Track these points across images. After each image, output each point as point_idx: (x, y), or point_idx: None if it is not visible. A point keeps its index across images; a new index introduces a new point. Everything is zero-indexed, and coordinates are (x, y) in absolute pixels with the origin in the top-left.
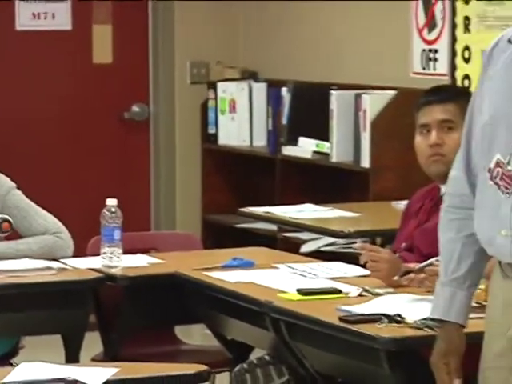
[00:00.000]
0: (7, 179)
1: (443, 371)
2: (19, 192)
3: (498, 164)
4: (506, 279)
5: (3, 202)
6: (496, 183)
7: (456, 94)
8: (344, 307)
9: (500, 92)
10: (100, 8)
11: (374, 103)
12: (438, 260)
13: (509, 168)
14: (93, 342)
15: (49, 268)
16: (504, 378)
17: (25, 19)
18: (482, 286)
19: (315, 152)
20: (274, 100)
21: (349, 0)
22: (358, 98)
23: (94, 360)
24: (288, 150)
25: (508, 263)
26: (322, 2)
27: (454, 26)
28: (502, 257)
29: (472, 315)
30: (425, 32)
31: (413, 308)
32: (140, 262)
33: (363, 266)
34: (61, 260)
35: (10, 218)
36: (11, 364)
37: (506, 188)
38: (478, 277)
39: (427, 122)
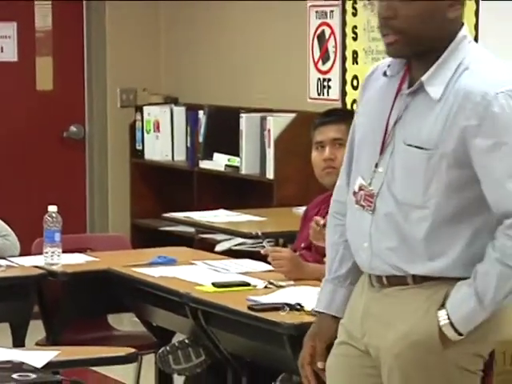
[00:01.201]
0: None
1: (308, 351)
2: None
3: (360, 188)
4: (371, 288)
5: None
6: (361, 205)
7: (346, 116)
8: (252, 297)
9: (369, 117)
10: (42, 42)
11: (277, 124)
12: None
13: (370, 188)
14: (36, 329)
15: None
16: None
17: None
18: None
19: (227, 165)
20: (192, 121)
21: (256, 37)
22: (263, 119)
23: (37, 344)
24: (204, 164)
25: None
26: (235, 40)
27: (344, 59)
28: (363, 268)
29: None
30: (320, 64)
31: (310, 298)
32: (77, 260)
33: (268, 263)
34: (8, 258)
35: None
36: None
37: (369, 206)
38: (357, 276)
39: (322, 139)
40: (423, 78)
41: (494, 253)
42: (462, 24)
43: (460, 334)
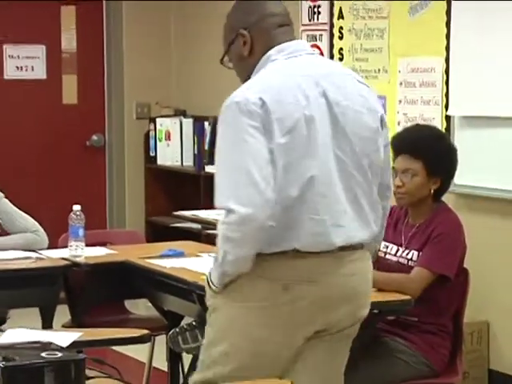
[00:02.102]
0: None
1: None
2: (6, 200)
3: None
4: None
5: None
6: None
7: None
8: None
9: None
10: (67, 62)
11: None
12: None
13: None
14: (62, 313)
15: (29, 257)
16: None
17: (11, 71)
18: None
19: None
20: (198, 131)
21: None
22: None
23: (63, 326)
24: (209, 168)
25: None
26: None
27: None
28: None
29: None
30: None
31: None
32: (98, 253)
33: None
34: (38, 251)
35: None
36: (0, 330)
37: None
38: None
39: None
40: None
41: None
42: (272, 47)
43: (214, 285)
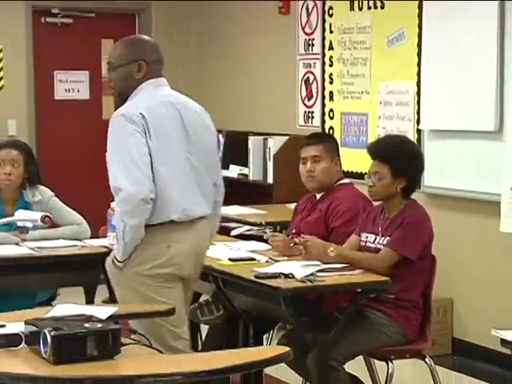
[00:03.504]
0: (48, 190)
1: None
2: (56, 198)
3: None
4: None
5: (46, 204)
6: None
7: (322, 139)
8: (257, 269)
9: None
10: (106, 85)
11: (275, 144)
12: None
13: None
14: (102, 292)
15: (75, 245)
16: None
17: (60, 92)
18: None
19: (239, 173)
20: None
21: (261, 80)
22: (265, 140)
23: (103, 302)
24: (223, 172)
25: None
26: (244, 83)
27: (323, 97)
28: None
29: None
30: (306, 100)
31: (299, 269)
32: None
33: (268, 243)
34: (82, 240)
35: (50, 215)
36: (51, 305)
37: None
38: None
39: (305, 156)
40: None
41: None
42: (153, 77)
43: (118, 261)
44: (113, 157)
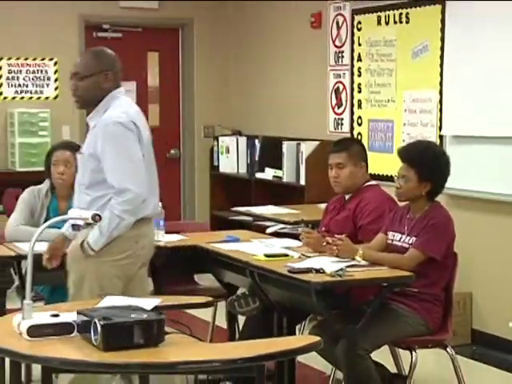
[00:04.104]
0: None
1: None
2: None
3: None
4: None
5: None
6: None
7: (346, 147)
8: (290, 264)
9: None
10: (152, 94)
11: (307, 148)
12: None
13: None
14: (148, 285)
15: None
16: None
17: None
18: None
19: (274, 176)
20: (250, 146)
21: (295, 90)
22: (298, 145)
23: (149, 294)
24: (259, 175)
25: None
26: (280, 92)
27: (352, 105)
28: None
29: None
30: (336, 108)
31: (329, 264)
32: (175, 238)
33: (300, 240)
34: None
35: (100, 213)
36: (101, 296)
37: None
38: None
39: (330, 163)
40: (87, 117)
41: (109, 207)
42: (118, 86)
43: (93, 250)
44: (118, 161)
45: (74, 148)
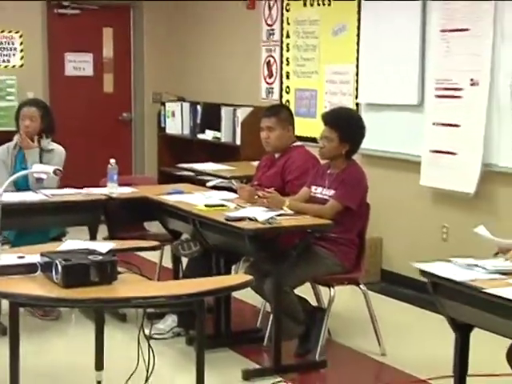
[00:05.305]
0: (61, 147)
1: None
2: (64, 154)
3: None
4: None
5: (56, 154)
6: None
7: (276, 112)
8: (227, 213)
9: None
10: (107, 64)
11: (242, 113)
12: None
13: None
14: (103, 230)
15: (80, 193)
16: None
17: (70, 70)
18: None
19: (214, 137)
20: (193, 111)
21: (231, 63)
22: (234, 110)
23: (104, 239)
24: (200, 136)
25: None
26: (219, 65)
27: (281, 76)
28: None
29: None
30: (267, 79)
31: (261, 213)
32: (127, 191)
33: (236, 193)
34: (86, 189)
35: (60, 168)
36: (62, 241)
37: None
38: None
39: (262, 126)
40: None
41: None
42: None
43: None
44: None
45: (39, 104)
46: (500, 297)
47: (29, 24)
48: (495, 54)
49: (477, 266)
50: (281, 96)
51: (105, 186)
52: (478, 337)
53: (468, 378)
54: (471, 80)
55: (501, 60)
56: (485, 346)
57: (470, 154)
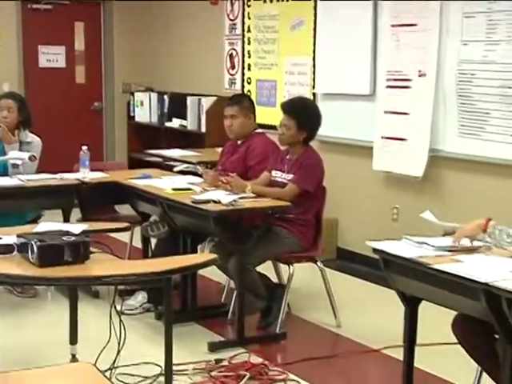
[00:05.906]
0: (37, 138)
1: None
2: (41, 145)
3: None
4: None
5: (34, 146)
6: None
7: (238, 101)
8: (193, 196)
9: None
10: (78, 57)
11: (207, 102)
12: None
13: None
14: (76, 213)
15: (55, 178)
16: None
17: (43, 62)
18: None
19: (180, 125)
20: (161, 101)
21: (195, 56)
22: (199, 100)
23: (77, 221)
24: (168, 124)
25: None
26: (184, 57)
27: (243, 68)
28: None
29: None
30: (230, 70)
31: (225, 196)
32: (98, 176)
33: (201, 177)
34: (60, 174)
35: (35, 154)
36: (37, 223)
37: None
38: None
39: (226, 114)
40: None
41: None
42: None
43: None
44: None
45: (15, 97)
46: (445, 272)
47: (4, 18)
48: (441, 47)
49: (425, 243)
50: (243, 86)
51: (78, 172)
52: (425, 309)
53: (416, 348)
54: (419, 71)
55: (446, 53)
56: (432, 317)
57: (419, 140)
